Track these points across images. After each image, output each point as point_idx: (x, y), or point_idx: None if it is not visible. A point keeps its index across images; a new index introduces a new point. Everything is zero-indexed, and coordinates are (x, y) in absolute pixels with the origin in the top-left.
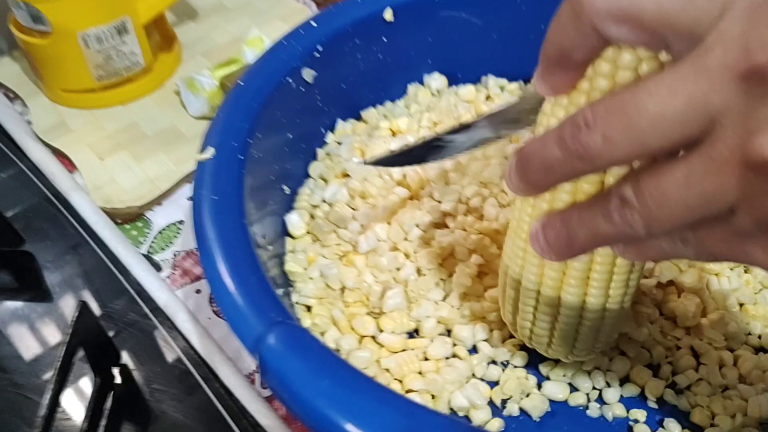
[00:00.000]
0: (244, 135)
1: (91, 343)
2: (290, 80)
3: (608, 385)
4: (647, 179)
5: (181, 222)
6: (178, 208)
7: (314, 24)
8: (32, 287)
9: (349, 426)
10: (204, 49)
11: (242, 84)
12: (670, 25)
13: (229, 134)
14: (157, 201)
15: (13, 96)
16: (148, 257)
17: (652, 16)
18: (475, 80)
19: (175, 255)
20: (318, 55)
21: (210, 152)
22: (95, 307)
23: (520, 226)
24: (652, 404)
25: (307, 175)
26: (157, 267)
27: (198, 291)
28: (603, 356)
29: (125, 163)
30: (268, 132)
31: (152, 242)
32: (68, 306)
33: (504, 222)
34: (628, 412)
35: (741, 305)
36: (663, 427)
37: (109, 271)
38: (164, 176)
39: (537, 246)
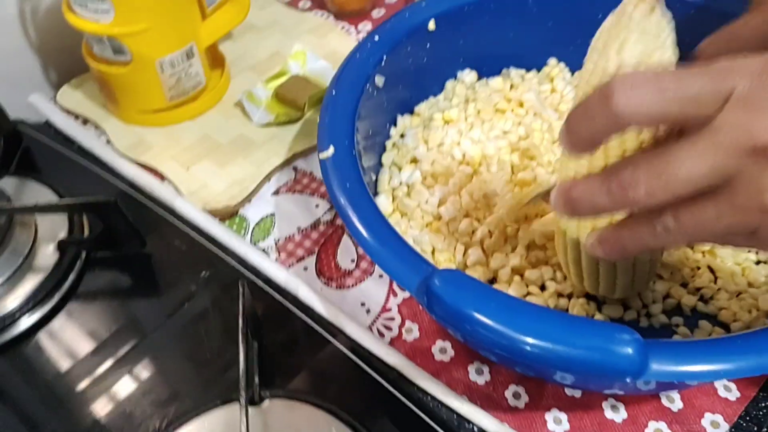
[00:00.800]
0: (351, 135)
1: (250, 318)
2: (369, 87)
3: (653, 301)
4: (686, 214)
5: (272, 215)
6: (266, 203)
7: (377, 38)
8: (157, 284)
9: (520, 336)
10: (248, 64)
11: (335, 93)
12: (686, 120)
13: (342, 135)
14: (247, 199)
15: (83, 121)
16: (255, 247)
17: (675, 117)
18: (497, 72)
19: (276, 242)
20: (384, 64)
21: (331, 150)
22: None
23: None
24: (687, 312)
25: (380, 164)
26: (265, 253)
27: (305, 268)
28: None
29: (210, 170)
30: (360, 131)
31: (252, 234)
32: (201, 297)
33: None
34: (670, 319)
35: None
36: (698, 327)
37: (224, 262)
38: (249, 177)
39: (596, 251)
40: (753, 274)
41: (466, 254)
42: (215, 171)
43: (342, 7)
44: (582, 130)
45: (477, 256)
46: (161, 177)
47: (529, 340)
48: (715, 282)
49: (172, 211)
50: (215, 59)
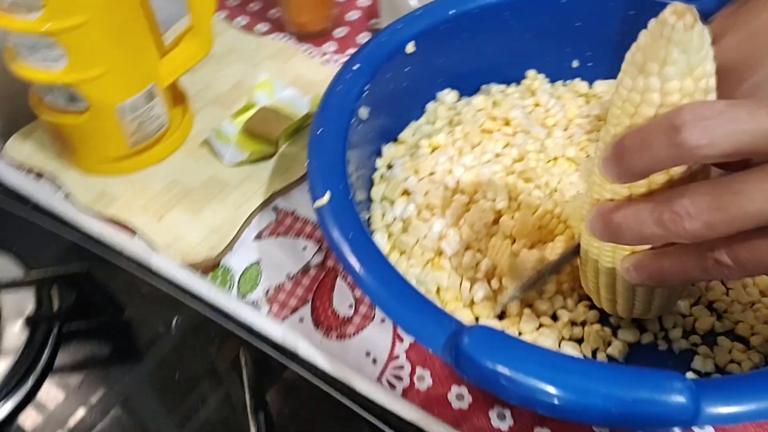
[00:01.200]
0: (345, 177)
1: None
2: (353, 121)
3: (674, 326)
4: (743, 250)
5: (257, 262)
6: (249, 250)
7: (357, 66)
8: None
9: (560, 392)
10: (210, 98)
11: (321, 132)
12: (758, 154)
13: (336, 178)
14: (229, 247)
15: (37, 175)
16: (244, 301)
17: (747, 152)
18: (477, 89)
19: (266, 293)
20: (367, 94)
21: (326, 197)
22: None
23: None
24: (705, 328)
25: (370, 200)
26: (255, 307)
27: (301, 320)
28: None
29: (184, 219)
30: (352, 174)
31: (239, 287)
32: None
33: (550, 203)
34: (687, 339)
35: None
36: (717, 344)
37: (212, 323)
38: (227, 223)
39: (632, 280)
40: (764, 282)
41: (473, 290)
42: (190, 219)
43: (303, 29)
44: (639, 162)
45: (484, 291)
46: (132, 231)
47: (576, 398)
48: (727, 294)
49: (148, 270)
50: (176, 96)
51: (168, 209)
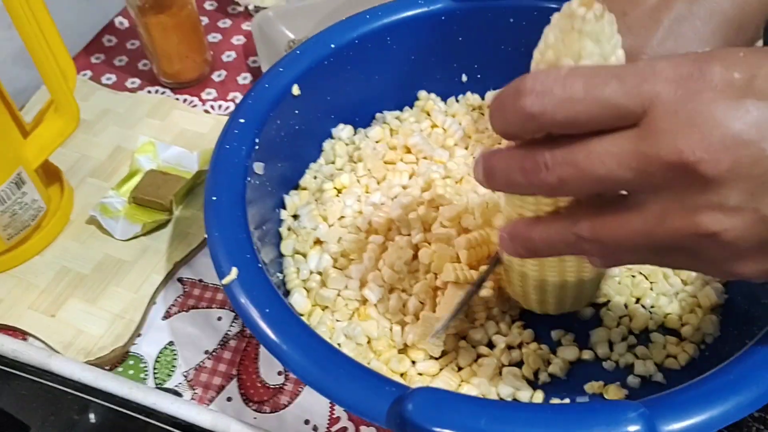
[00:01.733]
0: (251, 245)
1: None
2: (249, 179)
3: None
4: (603, 224)
5: (170, 344)
6: (159, 332)
7: (243, 120)
8: None
9: None
10: (88, 169)
11: (216, 199)
12: (603, 124)
13: (241, 249)
14: (136, 333)
15: None
16: (163, 389)
17: (587, 121)
18: (371, 119)
19: (185, 376)
20: (258, 148)
21: (234, 273)
22: None
23: None
24: (636, 330)
25: (281, 256)
26: (177, 394)
27: (229, 399)
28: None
29: (81, 310)
30: (256, 233)
31: (155, 374)
32: None
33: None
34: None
35: None
36: (651, 341)
37: (133, 420)
38: (130, 307)
39: (505, 248)
40: (684, 271)
41: (404, 333)
42: (87, 310)
43: (177, 79)
44: (497, 123)
45: (416, 332)
46: (23, 335)
47: None
48: (652, 288)
49: (50, 375)
50: (49, 174)
51: (61, 303)
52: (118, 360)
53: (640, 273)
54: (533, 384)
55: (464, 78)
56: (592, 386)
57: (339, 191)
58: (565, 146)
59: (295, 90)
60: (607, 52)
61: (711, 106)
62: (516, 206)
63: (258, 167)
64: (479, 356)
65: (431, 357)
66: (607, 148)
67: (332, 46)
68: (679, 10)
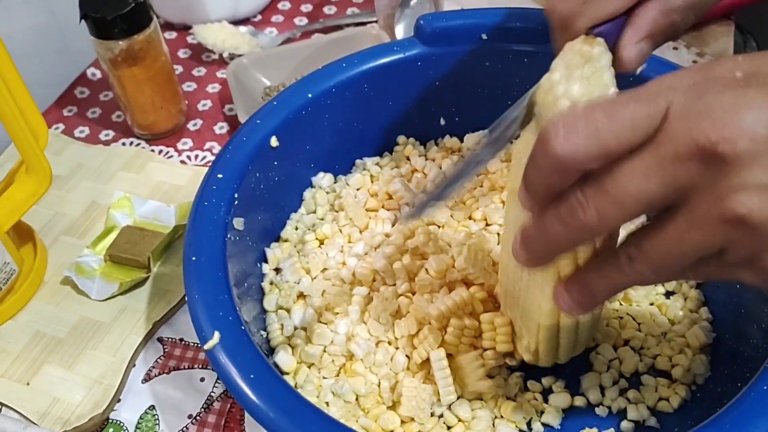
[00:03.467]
0: (233, 306)
1: None
2: (229, 236)
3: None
4: (647, 240)
5: (151, 408)
6: (140, 397)
7: (221, 175)
8: None
9: None
10: (62, 228)
11: (196, 258)
12: (630, 147)
13: (223, 310)
14: (115, 399)
15: None
16: None
17: (616, 149)
18: (351, 165)
19: None
20: (238, 203)
21: (216, 337)
22: None
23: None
24: (626, 373)
25: (264, 311)
26: None
27: None
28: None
29: (57, 377)
30: (237, 291)
31: None
32: None
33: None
34: (616, 385)
35: None
36: (642, 384)
37: None
38: (109, 371)
39: (564, 305)
40: (670, 310)
41: (396, 391)
42: (64, 376)
43: (152, 130)
44: (534, 183)
45: (404, 387)
46: None
47: None
48: (640, 329)
49: None
50: (21, 234)
51: (36, 369)
52: (97, 428)
53: (628, 314)
54: None
55: (442, 121)
56: None
57: (321, 242)
58: (591, 182)
59: (274, 141)
60: (608, 82)
61: (718, 97)
62: (550, 274)
63: (238, 222)
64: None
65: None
66: (631, 167)
67: (309, 95)
68: None
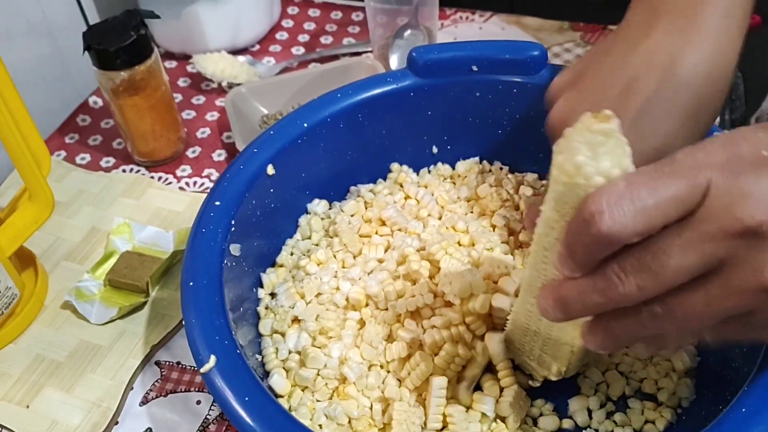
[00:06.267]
0: (229, 330)
1: None
2: (225, 262)
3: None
4: (674, 300)
5: (149, 430)
6: (137, 419)
7: (218, 203)
8: None
9: None
10: (63, 253)
11: (193, 284)
12: (671, 221)
13: (219, 334)
14: (113, 422)
15: None
16: None
17: (660, 223)
18: (345, 192)
19: None
20: (234, 229)
21: (212, 361)
22: None
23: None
24: (613, 397)
25: (259, 335)
26: None
27: None
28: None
29: (56, 399)
30: (233, 315)
31: None
32: None
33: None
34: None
35: None
36: (629, 407)
37: None
38: (107, 394)
39: (591, 345)
40: None
41: (387, 413)
42: (63, 399)
43: (152, 157)
44: (578, 255)
45: (400, 411)
46: None
47: None
48: (627, 354)
49: None
50: (23, 259)
51: (36, 392)
52: None
53: None
54: None
55: (435, 149)
56: None
57: (316, 266)
58: (629, 254)
59: (270, 170)
60: (629, 152)
61: (755, 179)
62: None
63: (234, 249)
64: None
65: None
66: (671, 243)
67: (305, 125)
68: (644, 103)
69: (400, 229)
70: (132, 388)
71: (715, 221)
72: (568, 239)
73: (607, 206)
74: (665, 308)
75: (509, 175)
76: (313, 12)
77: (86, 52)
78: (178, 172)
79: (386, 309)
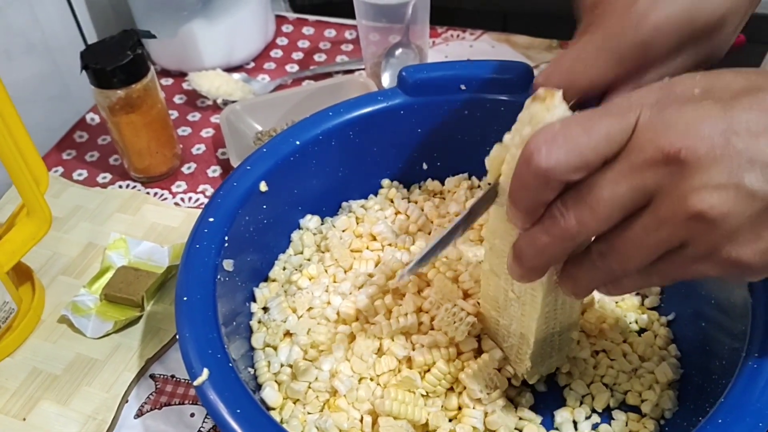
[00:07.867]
0: (221, 344)
1: None
2: (219, 277)
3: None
4: (615, 237)
5: None
6: (131, 431)
7: (212, 219)
8: None
9: None
10: (59, 267)
11: (187, 299)
12: (606, 158)
13: (212, 348)
14: None
15: None
16: None
17: (595, 159)
18: (337, 207)
19: None
20: (228, 245)
21: (205, 374)
22: None
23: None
24: (598, 409)
25: (252, 349)
26: None
27: None
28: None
29: (52, 412)
30: (226, 330)
31: None
32: None
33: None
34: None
35: (616, 303)
36: (613, 418)
37: None
38: (102, 407)
39: (566, 292)
40: (641, 347)
41: (376, 426)
42: (59, 412)
43: (148, 173)
44: (522, 199)
45: (389, 425)
46: None
47: None
48: (612, 366)
49: None
50: (20, 274)
51: (32, 406)
52: None
53: (603, 350)
54: None
55: (424, 166)
56: None
57: (309, 280)
58: (570, 192)
59: (263, 186)
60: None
61: (680, 110)
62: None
63: (228, 264)
64: None
65: None
66: (604, 176)
67: (297, 142)
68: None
69: (390, 244)
70: (127, 401)
71: (640, 153)
72: (512, 185)
73: (544, 143)
74: (608, 246)
75: None
76: (307, 30)
77: (84, 71)
78: (174, 188)
79: (374, 324)
